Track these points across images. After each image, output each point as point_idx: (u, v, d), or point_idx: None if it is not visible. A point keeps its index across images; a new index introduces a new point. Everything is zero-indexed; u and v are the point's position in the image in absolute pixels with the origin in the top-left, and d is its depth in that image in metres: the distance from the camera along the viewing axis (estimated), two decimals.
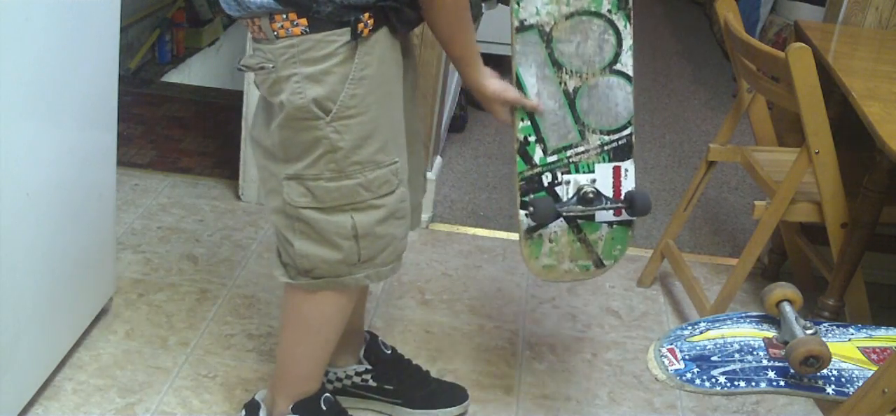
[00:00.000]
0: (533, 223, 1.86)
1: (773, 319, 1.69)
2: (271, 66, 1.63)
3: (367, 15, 1.59)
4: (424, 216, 2.94)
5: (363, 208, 1.69)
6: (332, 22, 1.58)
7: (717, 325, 1.71)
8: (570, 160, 1.86)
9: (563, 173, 1.87)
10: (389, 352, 2.09)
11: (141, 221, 2.81)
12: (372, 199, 1.69)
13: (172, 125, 3.53)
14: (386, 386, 2.06)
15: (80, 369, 2.13)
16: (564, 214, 1.86)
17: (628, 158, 1.89)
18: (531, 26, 1.80)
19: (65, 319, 2.09)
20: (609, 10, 1.82)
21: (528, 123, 1.84)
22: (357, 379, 2.06)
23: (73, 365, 2.13)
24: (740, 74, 2.47)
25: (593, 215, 1.89)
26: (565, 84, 1.83)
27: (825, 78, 2.20)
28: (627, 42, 1.84)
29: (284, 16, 1.59)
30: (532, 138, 1.84)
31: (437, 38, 1.74)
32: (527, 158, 1.85)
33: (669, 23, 5.92)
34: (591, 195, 1.86)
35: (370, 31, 1.61)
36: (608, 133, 1.87)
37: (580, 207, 1.86)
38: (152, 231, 2.76)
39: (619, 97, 1.86)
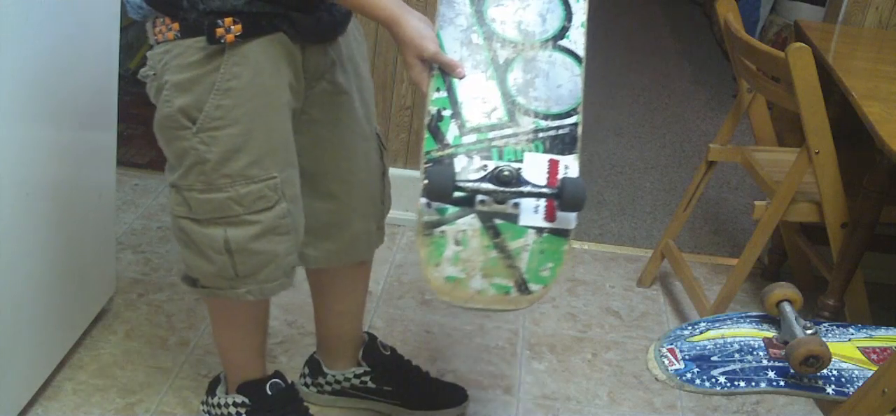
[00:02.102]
0: (430, 209, 1.47)
1: (773, 319, 1.69)
2: (153, 73, 1.62)
3: (228, 20, 1.53)
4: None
5: (236, 222, 1.63)
6: (200, 28, 1.54)
7: (717, 325, 1.71)
8: (493, 143, 1.50)
9: (482, 158, 1.49)
10: (388, 353, 2.09)
11: (141, 221, 2.81)
12: (245, 214, 1.62)
13: None
14: (385, 387, 2.06)
15: (80, 369, 2.13)
16: (469, 190, 1.45)
17: (570, 153, 1.51)
18: None
19: (65, 319, 2.09)
20: None
21: (445, 94, 1.53)
22: (356, 381, 2.05)
23: (73, 365, 2.13)
24: (740, 74, 2.47)
25: (516, 215, 1.47)
26: (495, 53, 1.54)
27: (825, 78, 2.20)
28: (578, 17, 1.58)
29: (162, 20, 1.57)
30: (447, 112, 1.52)
31: None
32: (438, 136, 1.50)
33: (669, 23, 5.92)
34: (507, 174, 1.46)
35: (238, 38, 1.53)
36: (545, 118, 1.52)
37: (490, 185, 1.45)
38: (152, 231, 2.76)
39: (563, 77, 1.55)
